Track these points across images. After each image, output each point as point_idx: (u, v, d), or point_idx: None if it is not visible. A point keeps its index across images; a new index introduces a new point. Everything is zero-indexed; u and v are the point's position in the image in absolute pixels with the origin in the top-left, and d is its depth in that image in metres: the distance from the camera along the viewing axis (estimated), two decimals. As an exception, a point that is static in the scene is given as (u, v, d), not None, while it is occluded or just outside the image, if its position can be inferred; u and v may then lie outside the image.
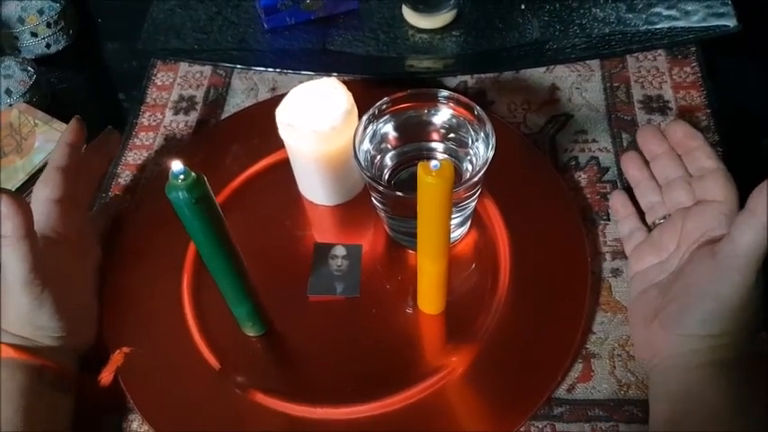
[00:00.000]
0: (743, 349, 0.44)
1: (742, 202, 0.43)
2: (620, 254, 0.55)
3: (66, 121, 0.64)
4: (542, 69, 0.68)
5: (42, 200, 0.52)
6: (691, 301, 0.45)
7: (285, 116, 0.54)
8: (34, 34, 0.76)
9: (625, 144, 0.62)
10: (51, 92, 0.75)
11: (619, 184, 0.59)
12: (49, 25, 0.76)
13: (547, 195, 0.58)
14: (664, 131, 0.55)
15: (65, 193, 0.52)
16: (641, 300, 0.50)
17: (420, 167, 0.40)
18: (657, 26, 0.68)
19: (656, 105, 0.64)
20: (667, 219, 0.51)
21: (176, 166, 0.38)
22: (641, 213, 0.55)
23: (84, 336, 0.53)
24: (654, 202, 0.54)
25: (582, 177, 0.60)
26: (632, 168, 0.56)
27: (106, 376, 0.51)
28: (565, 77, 0.68)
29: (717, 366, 0.44)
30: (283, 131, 0.54)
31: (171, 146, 0.68)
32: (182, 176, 0.39)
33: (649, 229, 0.53)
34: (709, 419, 0.42)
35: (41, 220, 0.51)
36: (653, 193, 0.54)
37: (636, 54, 0.68)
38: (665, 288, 0.48)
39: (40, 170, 0.64)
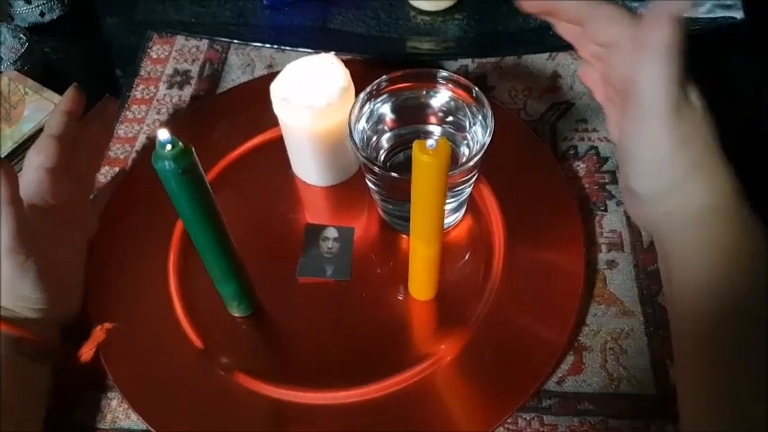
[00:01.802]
0: (710, 197, 0.40)
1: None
2: (616, 246, 0.54)
3: (59, 92, 0.63)
4: (545, 56, 0.67)
5: (34, 167, 0.50)
6: (626, 163, 0.43)
7: (280, 90, 0.52)
8: (28, 1, 0.74)
9: (626, 135, 0.61)
10: (44, 61, 0.73)
11: (618, 175, 0.58)
12: (43, -8, 0.74)
13: (544, 184, 0.57)
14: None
15: (58, 161, 0.51)
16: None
17: (416, 145, 0.38)
18: (664, 16, 0.66)
19: (659, 97, 0.63)
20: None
21: (163, 134, 0.37)
22: None
23: (67, 309, 0.52)
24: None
25: (580, 167, 0.59)
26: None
27: (87, 352, 0.49)
28: (567, 65, 0.66)
29: (689, 226, 0.41)
30: (278, 106, 0.53)
31: (163, 120, 0.66)
32: (169, 146, 0.37)
33: None
34: (688, 277, 0.41)
35: (31, 188, 0.50)
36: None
37: (641, 44, 0.67)
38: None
39: (29, 139, 0.62)
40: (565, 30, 0.46)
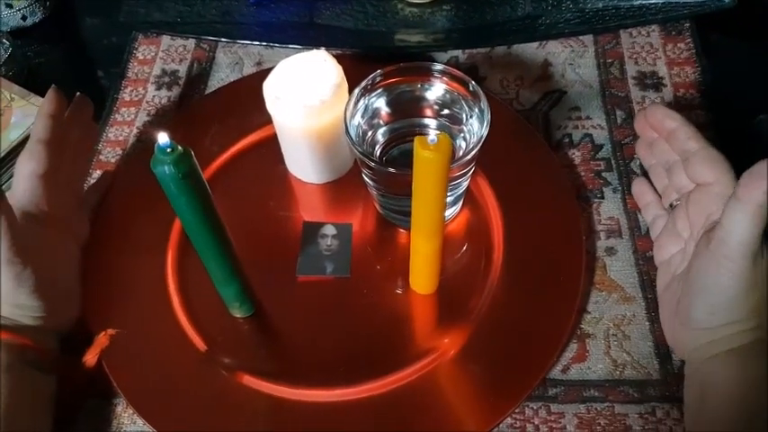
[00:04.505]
0: (760, 332, 0.43)
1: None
2: (614, 232, 0.55)
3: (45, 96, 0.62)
4: (535, 45, 0.67)
5: (26, 175, 0.50)
6: (695, 295, 0.44)
7: (273, 89, 0.52)
8: (9, 5, 0.73)
9: (619, 121, 0.61)
10: (28, 66, 0.72)
11: (613, 162, 0.58)
12: (24, -4, 0.73)
13: (540, 173, 0.57)
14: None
15: (49, 166, 0.50)
16: (667, 294, 0.49)
17: (417, 141, 0.38)
18: (652, 1, 0.67)
19: (649, 82, 0.63)
20: (676, 205, 0.50)
21: (162, 138, 0.37)
22: None
23: (65, 316, 0.51)
24: (665, 186, 0.52)
25: (576, 155, 0.59)
26: (643, 151, 0.55)
27: (90, 358, 0.49)
28: (558, 53, 0.66)
29: (732, 354, 0.43)
30: (271, 105, 0.53)
31: (153, 122, 0.66)
32: (168, 150, 0.37)
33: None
34: (723, 405, 0.42)
35: (25, 196, 0.49)
36: (663, 175, 0.53)
37: (629, 30, 0.67)
38: (683, 280, 0.47)
39: (18, 146, 0.61)
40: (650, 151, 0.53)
